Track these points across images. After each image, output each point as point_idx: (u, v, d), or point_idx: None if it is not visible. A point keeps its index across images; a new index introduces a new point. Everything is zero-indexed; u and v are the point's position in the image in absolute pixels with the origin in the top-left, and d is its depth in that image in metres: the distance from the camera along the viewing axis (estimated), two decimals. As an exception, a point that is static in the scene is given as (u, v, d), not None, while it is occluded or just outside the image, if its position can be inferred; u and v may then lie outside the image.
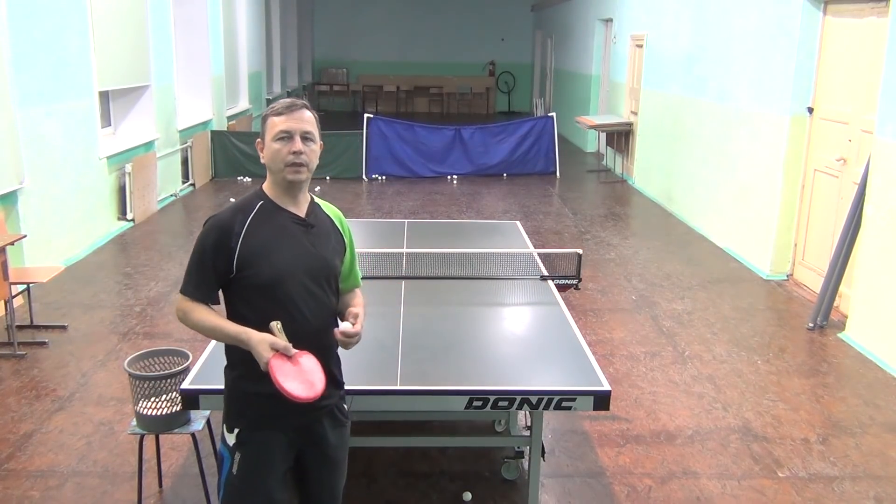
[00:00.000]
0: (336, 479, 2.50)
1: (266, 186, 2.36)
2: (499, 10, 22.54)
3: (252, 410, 2.32)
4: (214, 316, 2.28)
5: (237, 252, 2.25)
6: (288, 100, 2.33)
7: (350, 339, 2.33)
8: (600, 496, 3.60)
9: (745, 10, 7.60)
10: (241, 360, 2.29)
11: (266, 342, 2.18)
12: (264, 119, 2.32)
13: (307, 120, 2.29)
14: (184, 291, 2.31)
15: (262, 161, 2.33)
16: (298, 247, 2.31)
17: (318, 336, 2.34)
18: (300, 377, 2.18)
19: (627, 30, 12.02)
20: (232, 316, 2.31)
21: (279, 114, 2.28)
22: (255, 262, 2.25)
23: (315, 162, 2.32)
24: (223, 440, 2.36)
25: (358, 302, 2.52)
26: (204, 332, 2.28)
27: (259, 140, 2.34)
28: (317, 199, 2.46)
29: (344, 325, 2.34)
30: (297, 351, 2.21)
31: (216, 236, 2.27)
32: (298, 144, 2.26)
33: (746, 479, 3.76)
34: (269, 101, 16.04)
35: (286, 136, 2.26)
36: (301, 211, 2.35)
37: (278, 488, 2.35)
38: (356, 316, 2.37)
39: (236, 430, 2.32)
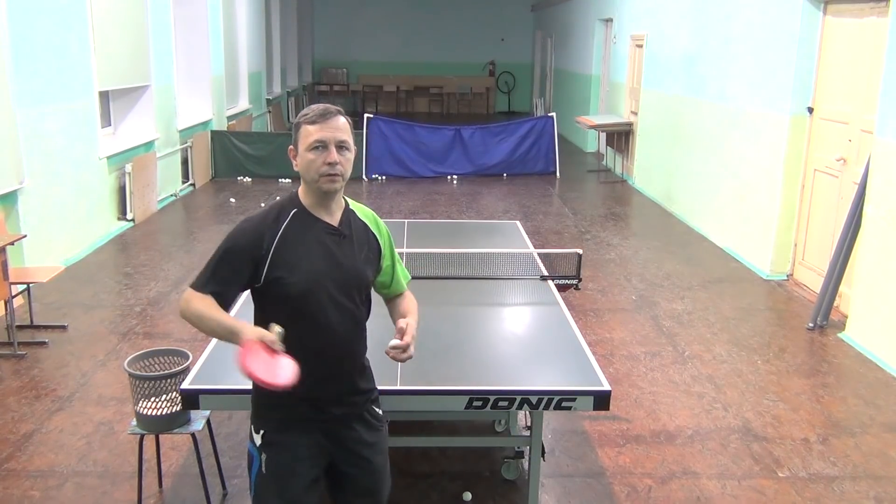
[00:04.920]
0: (377, 484, 2.45)
1: (301, 192, 2.32)
2: (499, 10, 22.53)
3: (277, 412, 2.31)
4: (214, 307, 2.21)
5: (268, 260, 2.22)
6: (321, 106, 2.25)
7: (399, 353, 2.28)
8: (600, 496, 3.60)
9: (745, 10, 7.60)
10: None
11: (258, 332, 2.10)
12: (297, 126, 2.25)
13: (341, 128, 2.23)
14: (193, 285, 2.25)
15: (295, 168, 2.27)
16: (328, 258, 2.27)
17: (344, 346, 2.33)
18: (268, 364, 2.09)
19: (627, 30, 12.01)
20: (259, 324, 2.27)
21: (313, 122, 2.21)
22: (284, 272, 2.22)
23: (350, 170, 2.27)
24: (252, 439, 2.37)
25: (408, 309, 2.49)
26: (199, 322, 2.21)
27: (291, 147, 2.27)
28: (352, 205, 2.41)
29: (392, 342, 2.30)
30: (280, 351, 2.13)
31: (248, 240, 2.24)
32: (334, 155, 2.20)
33: (746, 479, 3.76)
34: (269, 101, 16.04)
35: (320, 146, 2.20)
36: (335, 219, 2.31)
37: (305, 493, 2.32)
38: (401, 330, 2.31)
39: (262, 431, 2.32)
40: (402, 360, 2.32)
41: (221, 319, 2.18)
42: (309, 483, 2.33)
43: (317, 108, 2.25)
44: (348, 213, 2.36)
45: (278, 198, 2.40)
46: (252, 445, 2.37)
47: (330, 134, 2.20)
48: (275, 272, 2.22)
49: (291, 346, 2.26)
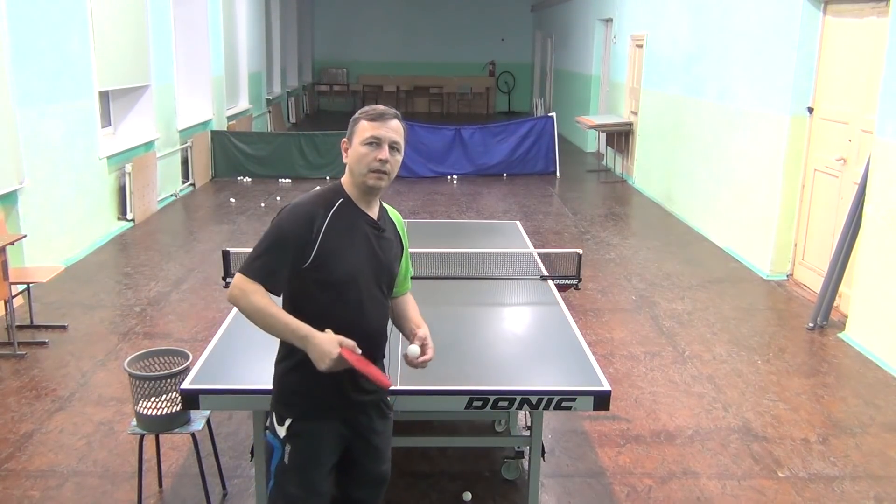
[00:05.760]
0: (382, 468, 2.55)
1: (345, 184, 2.39)
2: (499, 9, 22.52)
3: (303, 402, 2.35)
4: (274, 305, 2.25)
5: (317, 244, 2.27)
6: (381, 107, 2.38)
7: (422, 364, 2.41)
8: (600, 496, 3.60)
9: (744, 10, 7.60)
10: (293, 351, 2.31)
11: (334, 339, 2.19)
12: (355, 121, 2.36)
13: (396, 130, 2.34)
14: (248, 273, 2.25)
15: (345, 161, 2.37)
16: (369, 250, 2.36)
17: (374, 337, 2.41)
18: (371, 366, 2.25)
19: (627, 30, 12.02)
20: (288, 308, 2.31)
21: (371, 119, 2.32)
22: (330, 258, 2.28)
23: (396, 171, 2.36)
24: (272, 430, 2.39)
25: (414, 310, 2.59)
26: (260, 318, 2.24)
27: (345, 140, 2.38)
28: (384, 204, 2.50)
29: (412, 350, 2.40)
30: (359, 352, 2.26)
31: (300, 223, 2.28)
32: (385, 153, 2.30)
33: (746, 479, 3.77)
34: (269, 101, 16.05)
35: (375, 143, 2.30)
36: (374, 214, 2.41)
37: (324, 481, 2.40)
38: (423, 340, 2.43)
39: (287, 422, 2.35)
40: (418, 367, 2.44)
41: (288, 321, 2.22)
42: (329, 470, 2.41)
43: (377, 108, 2.38)
44: (383, 211, 2.48)
45: (318, 188, 2.45)
46: (273, 437, 2.39)
47: (385, 133, 2.31)
48: (322, 257, 2.27)
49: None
